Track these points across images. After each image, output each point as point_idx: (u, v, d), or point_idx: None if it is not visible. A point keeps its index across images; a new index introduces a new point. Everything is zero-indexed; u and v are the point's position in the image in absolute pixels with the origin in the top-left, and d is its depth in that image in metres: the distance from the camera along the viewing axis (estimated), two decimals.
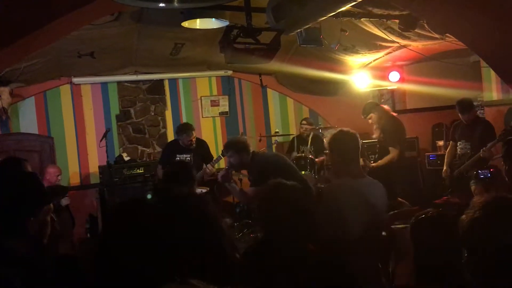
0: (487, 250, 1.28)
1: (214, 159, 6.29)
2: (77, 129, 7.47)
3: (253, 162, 4.40)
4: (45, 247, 2.07)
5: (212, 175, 6.19)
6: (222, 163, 6.75)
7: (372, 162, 6.01)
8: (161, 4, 2.21)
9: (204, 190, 5.93)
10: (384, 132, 6.03)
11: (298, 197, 2.27)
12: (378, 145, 6.20)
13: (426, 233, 1.78)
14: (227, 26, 4.46)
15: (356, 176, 3.04)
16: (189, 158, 6.08)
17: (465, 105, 5.59)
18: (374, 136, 6.19)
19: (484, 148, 5.21)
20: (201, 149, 6.23)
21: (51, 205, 2.12)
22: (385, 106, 6.41)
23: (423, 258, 1.83)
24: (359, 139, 3.14)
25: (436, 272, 1.62)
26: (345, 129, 3.17)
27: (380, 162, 5.94)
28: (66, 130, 7.42)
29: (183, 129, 6.15)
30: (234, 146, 4.43)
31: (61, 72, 7.06)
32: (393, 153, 5.89)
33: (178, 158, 6.05)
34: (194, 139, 6.10)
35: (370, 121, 6.15)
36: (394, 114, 6.29)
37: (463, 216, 1.37)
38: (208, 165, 6.09)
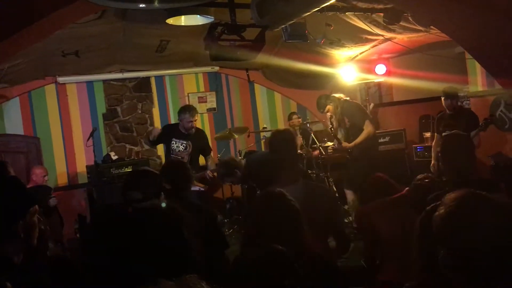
0: (460, 245, 1.30)
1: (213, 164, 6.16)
2: (64, 129, 7.40)
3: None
4: (34, 249, 2.06)
5: (213, 180, 6.13)
6: None
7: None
8: (141, 5, 2.19)
9: (202, 188, 5.91)
10: (348, 117, 6.17)
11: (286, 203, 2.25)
12: (344, 134, 6.33)
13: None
14: (211, 23, 4.43)
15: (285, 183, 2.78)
16: (184, 145, 5.90)
17: (450, 92, 5.71)
18: (333, 127, 6.32)
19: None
20: (200, 140, 6.01)
21: (37, 206, 2.10)
22: (336, 94, 6.46)
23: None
24: (295, 139, 3.04)
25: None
26: (280, 129, 3.22)
27: (357, 140, 6.02)
28: (52, 130, 7.35)
29: (187, 108, 5.96)
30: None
31: (46, 71, 6.98)
32: (368, 127, 6.02)
33: (174, 143, 5.89)
34: (195, 123, 5.91)
35: (328, 114, 6.24)
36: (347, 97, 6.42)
37: (436, 213, 1.38)
38: (209, 171, 5.98)
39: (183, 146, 5.91)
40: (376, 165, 5.69)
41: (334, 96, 6.34)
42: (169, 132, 6.00)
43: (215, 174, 5.85)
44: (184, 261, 1.39)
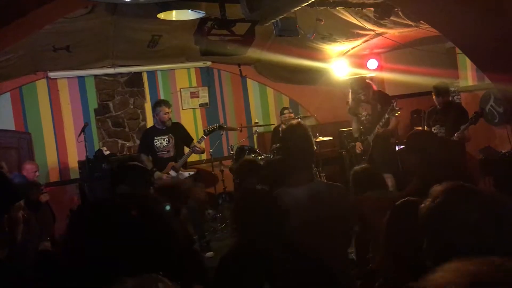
0: (445, 237, 1.32)
1: (198, 139, 6.31)
2: (55, 124, 7.38)
3: None
4: (19, 244, 2.07)
5: (203, 152, 6.37)
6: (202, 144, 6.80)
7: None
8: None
9: (191, 173, 6.02)
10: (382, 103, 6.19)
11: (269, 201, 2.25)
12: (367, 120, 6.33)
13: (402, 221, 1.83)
14: (201, 18, 4.42)
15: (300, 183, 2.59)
16: (167, 139, 6.06)
17: (441, 89, 5.73)
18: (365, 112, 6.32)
19: (457, 132, 5.32)
20: (178, 131, 6.20)
21: (22, 202, 2.10)
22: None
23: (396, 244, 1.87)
24: (310, 135, 2.69)
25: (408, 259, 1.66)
26: (294, 122, 2.81)
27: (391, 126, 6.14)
28: (44, 125, 7.33)
29: (160, 100, 6.31)
30: None
31: (37, 66, 6.95)
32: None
33: (156, 141, 6.03)
34: (169, 114, 6.11)
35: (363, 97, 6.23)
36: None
37: (422, 205, 1.40)
38: (196, 143, 6.13)
39: (166, 140, 6.07)
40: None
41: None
42: (148, 135, 6.20)
43: (202, 146, 6.26)
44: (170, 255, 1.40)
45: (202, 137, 6.31)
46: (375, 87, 6.40)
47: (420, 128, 7.18)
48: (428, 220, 1.35)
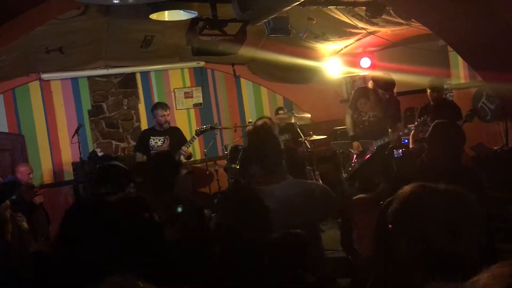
0: (418, 234, 1.35)
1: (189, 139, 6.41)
2: (49, 126, 7.36)
3: None
4: (9, 244, 2.07)
5: (188, 157, 6.36)
6: (196, 144, 6.84)
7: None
8: (115, 1, 2.19)
9: (184, 171, 6.05)
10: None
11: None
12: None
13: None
14: (192, 18, 4.43)
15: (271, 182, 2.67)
16: (162, 139, 6.25)
17: (436, 84, 5.81)
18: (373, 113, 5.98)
19: None
20: (175, 134, 6.40)
21: (8, 202, 2.10)
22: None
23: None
24: (274, 134, 2.80)
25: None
26: (258, 123, 2.96)
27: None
28: (37, 127, 7.30)
29: (158, 103, 6.48)
30: None
31: (29, 68, 6.93)
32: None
33: (152, 140, 6.24)
34: (168, 117, 6.29)
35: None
36: None
37: (390, 210, 1.44)
38: (183, 147, 6.21)
39: (161, 141, 6.27)
40: None
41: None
42: (145, 135, 6.44)
43: (189, 150, 6.32)
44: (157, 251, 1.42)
45: (194, 137, 6.42)
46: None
47: (414, 124, 7.23)
48: (398, 221, 1.39)
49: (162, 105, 6.36)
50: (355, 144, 5.99)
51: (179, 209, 2.66)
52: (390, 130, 5.94)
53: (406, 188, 1.42)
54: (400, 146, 5.94)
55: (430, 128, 3.54)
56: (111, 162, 3.26)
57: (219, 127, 7.63)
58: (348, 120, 6.12)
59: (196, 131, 6.57)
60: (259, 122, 3.40)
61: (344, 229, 3.25)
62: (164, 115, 6.22)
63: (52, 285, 1.47)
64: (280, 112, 7.58)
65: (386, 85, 5.84)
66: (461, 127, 4.16)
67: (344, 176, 6.31)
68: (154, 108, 6.36)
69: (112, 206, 1.55)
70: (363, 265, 2.18)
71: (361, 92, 6.12)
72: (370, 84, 6.00)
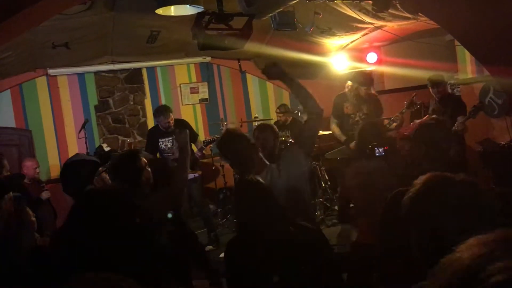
0: (430, 225, 1.33)
1: (200, 142, 6.33)
2: (56, 121, 7.39)
3: None
4: (13, 237, 2.08)
5: (203, 158, 6.40)
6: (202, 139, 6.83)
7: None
8: None
9: (196, 175, 6.03)
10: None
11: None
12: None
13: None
14: (198, 13, 4.42)
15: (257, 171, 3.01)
16: (171, 141, 6.11)
17: (435, 80, 5.79)
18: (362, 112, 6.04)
19: (456, 124, 5.30)
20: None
21: (11, 194, 2.12)
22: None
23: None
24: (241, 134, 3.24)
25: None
26: (230, 128, 3.30)
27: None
28: (44, 122, 7.35)
29: (160, 110, 6.16)
30: None
31: (36, 64, 6.96)
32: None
33: (161, 143, 6.11)
34: (172, 121, 6.07)
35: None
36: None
37: (405, 197, 1.42)
38: (197, 152, 6.19)
39: (170, 142, 6.12)
40: None
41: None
42: (153, 135, 6.26)
43: (204, 152, 6.30)
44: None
45: (202, 147, 6.28)
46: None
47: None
48: (412, 210, 1.37)
49: (164, 113, 6.06)
50: (352, 145, 5.95)
51: (169, 216, 2.70)
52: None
53: (421, 179, 1.41)
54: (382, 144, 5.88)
55: (415, 128, 3.55)
56: (75, 159, 3.29)
57: (225, 122, 7.60)
58: (335, 129, 6.24)
59: (203, 141, 6.39)
60: (225, 130, 3.77)
61: (341, 202, 3.37)
62: (167, 122, 6.03)
63: (49, 281, 1.48)
64: (277, 111, 7.51)
65: (366, 80, 6.06)
66: (448, 129, 4.13)
67: None
68: (157, 115, 6.15)
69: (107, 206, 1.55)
70: (366, 256, 2.18)
71: (341, 98, 6.20)
72: (347, 87, 6.10)
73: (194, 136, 6.22)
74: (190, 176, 5.99)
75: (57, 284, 1.32)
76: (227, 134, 3.36)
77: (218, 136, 6.55)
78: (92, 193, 1.92)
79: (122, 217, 1.51)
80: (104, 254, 1.36)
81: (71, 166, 3.02)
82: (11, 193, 2.10)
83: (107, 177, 2.90)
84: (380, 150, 4.04)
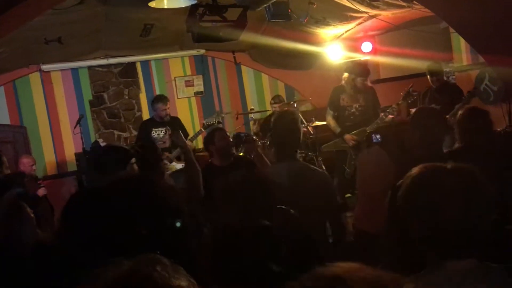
0: (429, 216, 1.34)
1: (192, 135, 6.37)
2: (50, 117, 7.35)
3: None
4: (14, 234, 2.08)
5: (193, 150, 6.27)
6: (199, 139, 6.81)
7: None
8: None
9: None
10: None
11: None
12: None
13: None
14: (192, 5, 4.39)
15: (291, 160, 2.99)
16: (164, 130, 6.26)
17: (434, 69, 5.80)
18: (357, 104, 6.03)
19: (452, 111, 5.33)
20: (176, 125, 6.31)
21: (13, 191, 2.11)
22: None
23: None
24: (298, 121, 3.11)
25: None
26: (285, 109, 3.29)
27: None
28: (39, 118, 7.30)
29: (158, 97, 6.44)
30: None
31: (29, 59, 6.90)
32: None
33: (154, 132, 6.25)
34: (168, 110, 6.28)
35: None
36: None
37: (399, 192, 1.43)
38: (187, 141, 6.13)
39: (163, 132, 6.28)
40: None
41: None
42: (146, 127, 6.39)
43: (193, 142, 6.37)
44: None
45: (201, 129, 6.33)
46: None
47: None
48: (409, 203, 1.38)
49: (163, 99, 6.32)
50: (348, 137, 5.99)
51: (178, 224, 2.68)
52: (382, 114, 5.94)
53: (415, 170, 1.41)
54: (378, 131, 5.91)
55: (412, 114, 3.56)
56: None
57: (223, 114, 7.55)
58: (330, 121, 6.21)
59: (203, 124, 6.44)
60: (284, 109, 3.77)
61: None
62: (165, 109, 6.22)
63: (51, 278, 1.47)
64: (271, 102, 7.43)
65: (363, 71, 5.99)
66: (443, 115, 4.14)
67: (348, 171, 6.19)
68: (155, 102, 6.32)
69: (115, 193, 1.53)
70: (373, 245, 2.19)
71: (338, 90, 6.17)
72: (344, 79, 6.07)
73: (185, 135, 6.25)
74: (178, 166, 6.07)
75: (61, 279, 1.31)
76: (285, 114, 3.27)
77: (218, 121, 6.54)
78: (142, 177, 1.89)
79: (174, 201, 1.50)
80: (155, 238, 1.35)
81: (113, 148, 3.10)
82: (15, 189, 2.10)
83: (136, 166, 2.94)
84: (377, 136, 4.04)
